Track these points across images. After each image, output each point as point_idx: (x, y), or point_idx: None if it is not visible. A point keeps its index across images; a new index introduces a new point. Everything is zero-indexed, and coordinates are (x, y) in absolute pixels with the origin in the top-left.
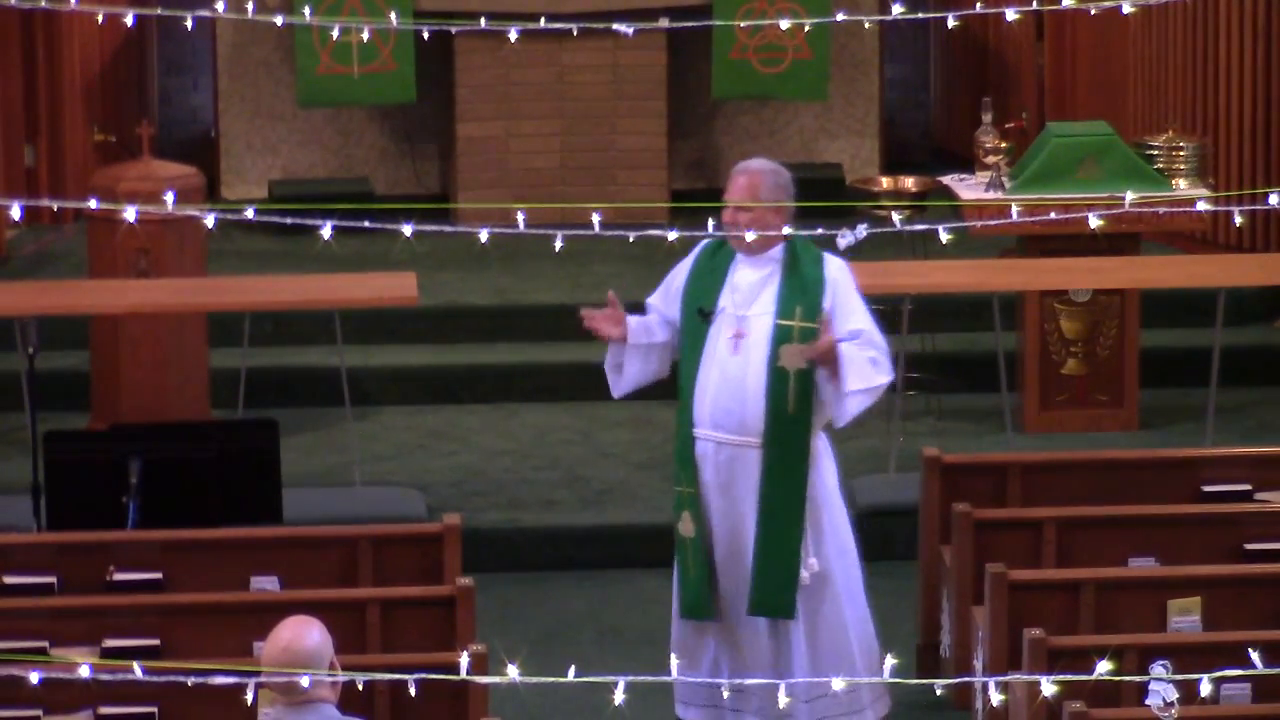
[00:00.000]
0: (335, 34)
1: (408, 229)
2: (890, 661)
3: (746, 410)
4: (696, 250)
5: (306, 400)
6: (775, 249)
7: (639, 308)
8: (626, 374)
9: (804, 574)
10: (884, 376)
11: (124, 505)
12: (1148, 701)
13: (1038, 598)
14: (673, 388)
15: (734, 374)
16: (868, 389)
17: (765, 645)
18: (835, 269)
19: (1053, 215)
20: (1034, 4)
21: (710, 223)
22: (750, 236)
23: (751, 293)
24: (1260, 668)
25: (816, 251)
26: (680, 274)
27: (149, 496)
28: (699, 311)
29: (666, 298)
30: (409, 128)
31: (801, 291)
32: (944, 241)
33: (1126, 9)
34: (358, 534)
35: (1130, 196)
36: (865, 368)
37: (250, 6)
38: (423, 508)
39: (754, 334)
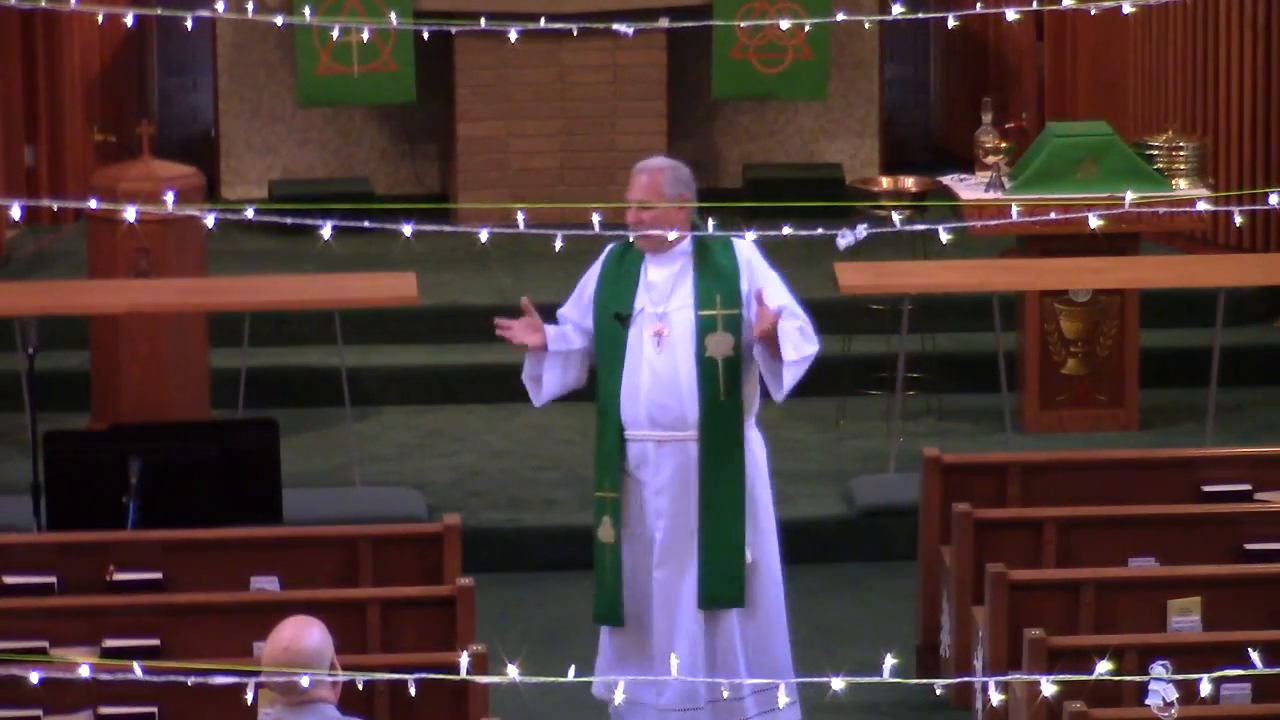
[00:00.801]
0: (335, 34)
1: (408, 229)
2: (890, 661)
3: (683, 405)
4: (602, 257)
5: (306, 400)
6: (683, 243)
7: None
8: (546, 383)
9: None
10: (813, 346)
11: (124, 505)
12: (1148, 701)
13: (1038, 598)
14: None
15: (664, 371)
16: (802, 359)
17: (700, 638)
18: (746, 250)
19: (1053, 215)
20: (1034, 4)
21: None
22: (669, 233)
23: (666, 289)
24: (1260, 668)
25: (723, 238)
26: (590, 282)
27: (149, 496)
28: (615, 316)
29: (580, 307)
30: (409, 128)
31: (717, 279)
32: (944, 241)
33: (1126, 9)
34: (358, 534)
35: (1130, 196)
36: (797, 338)
37: (250, 6)
38: (423, 508)
39: (676, 329)
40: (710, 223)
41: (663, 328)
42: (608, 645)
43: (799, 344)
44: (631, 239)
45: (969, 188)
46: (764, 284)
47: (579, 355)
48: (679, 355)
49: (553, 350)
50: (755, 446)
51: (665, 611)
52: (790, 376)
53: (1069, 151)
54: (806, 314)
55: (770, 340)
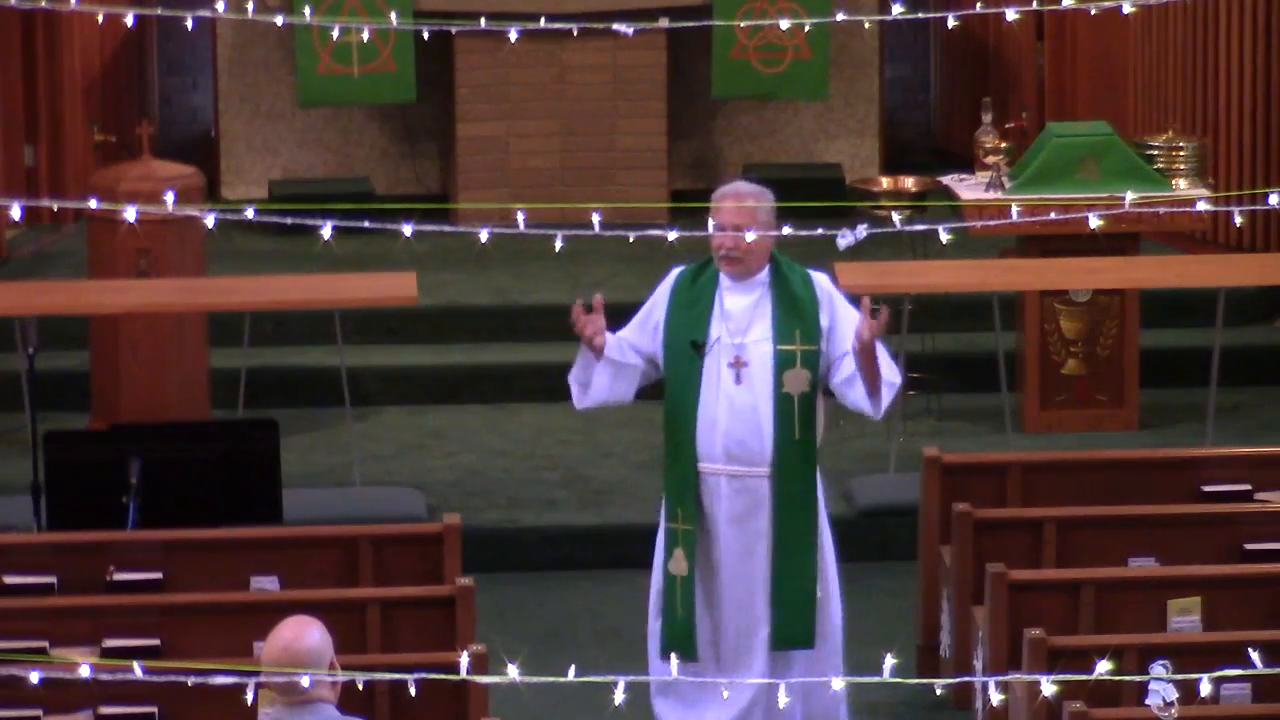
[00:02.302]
0: (335, 34)
1: (408, 229)
2: (890, 661)
3: (761, 441)
4: (672, 281)
5: (306, 400)
6: (762, 271)
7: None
8: (595, 389)
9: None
10: (898, 377)
11: (124, 505)
12: (1148, 701)
13: (1038, 598)
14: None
15: (743, 405)
16: (895, 383)
17: (762, 676)
18: (825, 284)
19: (1053, 215)
20: (1034, 4)
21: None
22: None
23: (745, 319)
24: (1260, 668)
25: (801, 269)
26: (659, 307)
27: (149, 496)
28: (692, 344)
29: (645, 331)
30: (409, 128)
31: (797, 314)
32: (944, 241)
33: (1126, 9)
34: (358, 534)
35: (1130, 196)
36: (890, 363)
37: (250, 6)
38: (423, 508)
39: (755, 362)
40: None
41: (742, 359)
42: (667, 672)
43: (892, 368)
44: (718, 263)
45: (969, 188)
46: (842, 321)
47: (631, 372)
48: (758, 390)
49: (608, 357)
50: (819, 486)
51: (734, 645)
52: (888, 396)
53: (1069, 151)
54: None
55: (869, 354)
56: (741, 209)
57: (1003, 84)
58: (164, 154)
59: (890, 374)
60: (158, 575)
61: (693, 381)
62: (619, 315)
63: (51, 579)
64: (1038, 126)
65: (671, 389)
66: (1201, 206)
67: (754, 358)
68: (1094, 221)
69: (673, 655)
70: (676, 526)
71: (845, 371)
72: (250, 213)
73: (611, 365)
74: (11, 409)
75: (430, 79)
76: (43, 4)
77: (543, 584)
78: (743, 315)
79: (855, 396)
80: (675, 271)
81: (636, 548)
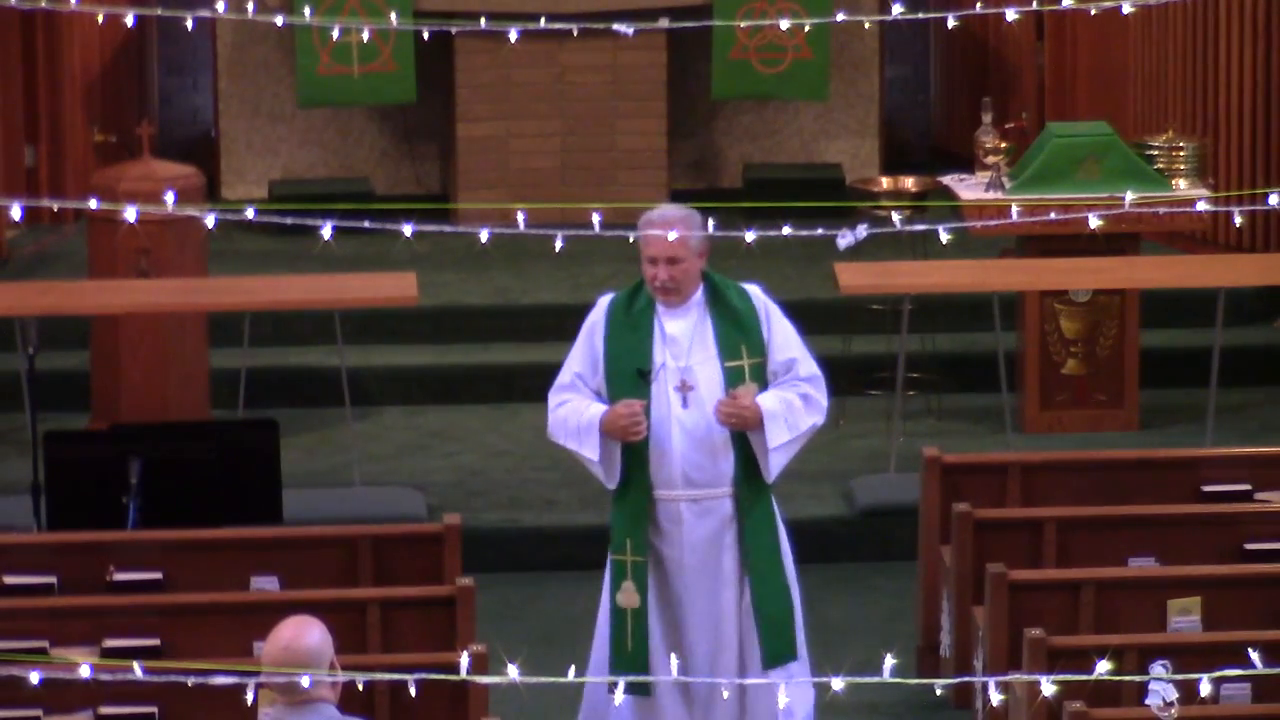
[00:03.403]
0: (335, 34)
1: (408, 229)
2: (890, 661)
3: (718, 462)
4: (605, 310)
5: (306, 400)
6: (696, 292)
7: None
8: (619, 461)
9: None
10: (815, 417)
11: (124, 505)
12: (1148, 701)
13: (1038, 598)
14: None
15: (695, 427)
16: (794, 438)
17: (734, 698)
18: (760, 296)
19: (1053, 215)
20: (1034, 4)
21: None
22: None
23: (686, 341)
24: (1260, 668)
25: (734, 284)
26: (596, 337)
27: (149, 496)
28: (639, 373)
29: (590, 364)
30: (409, 128)
31: (739, 329)
32: (944, 241)
33: (1126, 9)
34: (358, 534)
35: (1130, 196)
36: (792, 415)
37: (250, 6)
38: (423, 508)
39: (703, 384)
40: (709, 222)
41: (688, 382)
42: (628, 714)
43: (796, 419)
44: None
45: (969, 188)
46: (777, 336)
47: None
48: (708, 412)
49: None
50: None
51: (705, 672)
52: (778, 461)
53: (1069, 151)
54: (819, 363)
55: (751, 428)
56: (669, 243)
57: (1003, 84)
58: (164, 154)
59: (787, 432)
60: (158, 575)
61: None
62: None
63: (51, 579)
64: (1038, 126)
65: None
66: (1201, 206)
67: (700, 379)
68: (1094, 221)
69: (619, 691)
70: (624, 558)
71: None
72: (250, 213)
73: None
74: (11, 409)
75: (430, 79)
76: (43, 4)
77: (543, 584)
78: (684, 338)
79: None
80: (604, 300)
81: None
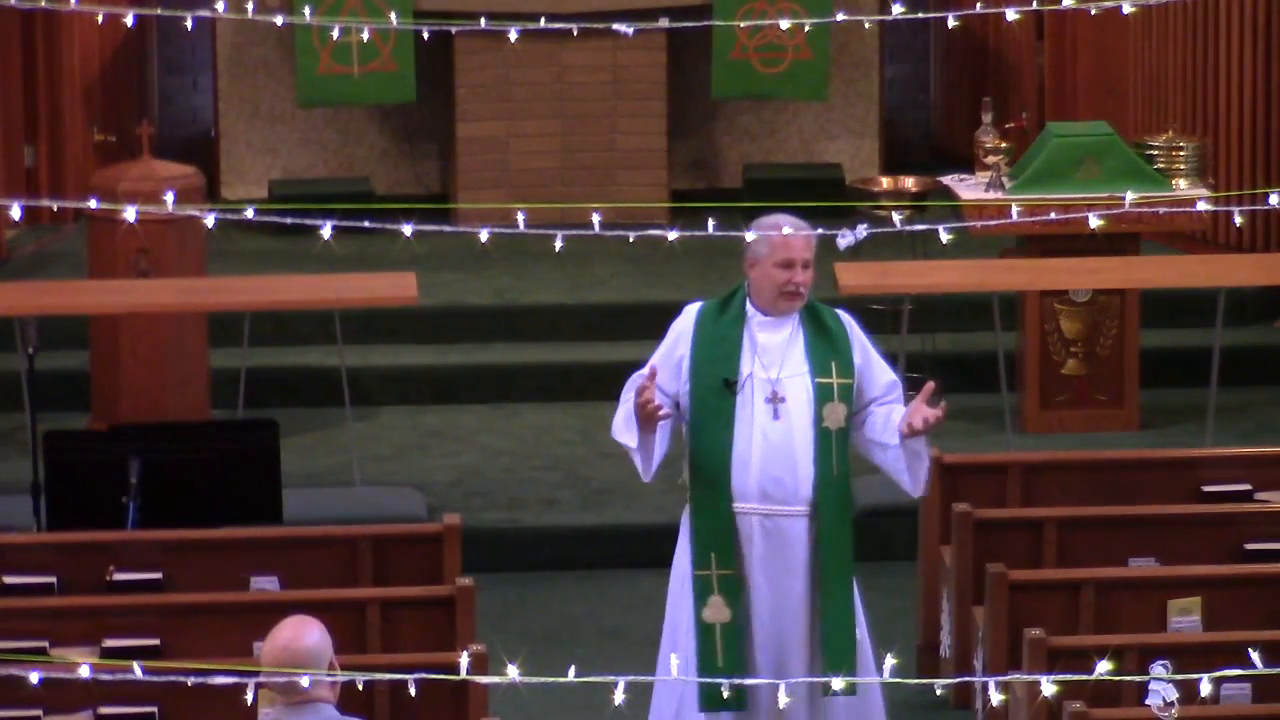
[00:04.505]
0: (335, 34)
1: (408, 229)
2: (890, 661)
3: (798, 477)
4: (693, 317)
5: (306, 400)
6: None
7: (647, 308)
8: (657, 454)
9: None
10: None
11: (124, 505)
12: (1148, 701)
13: (1038, 598)
14: None
15: (779, 441)
16: (927, 461)
17: (805, 715)
18: (851, 322)
19: (1053, 215)
20: (1034, 4)
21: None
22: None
23: (779, 354)
24: (1260, 668)
25: (828, 307)
26: (682, 344)
27: (149, 496)
28: (725, 382)
29: (669, 371)
30: (409, 128)
31: (831, 348)
32: (944, 241)
33: (1126, 9)
34: (358, 534)
35: (1130, 196)
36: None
37: (250, 6)
38: (423, 508)
39: (792, 397)
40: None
41: (778, 394)
42: None
43: (923, 445)
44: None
45: (969, 188)
46: (870, 361)
47: (671, 421)
48: (796, 425)
49: (663, 420)
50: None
51: (774, 691)
52: (925, 474)
53: (1069, 151)
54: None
55: (920, 432)
56: (810, 243)
57: (1003, 84)
58: (164, 154)
59: (924, 450)
60: (157, 575)
61: (726, 420)
62: (620, 315)
63: (51, 579)
64: (1038, 126)
65: (700, 428)
66: (1201, 206)
67: (791, 393)
68: (1094, 221)
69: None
70: (711, 573)
71: (879, 432)
72: (250, 213)
73: (667, 426)
74: (11, 409)
75: (430, 79)
76: (43, 4)
77: (543, 584)
78: (777, 350)
79: (889, 466)
80: (693, 308)
81: (637, 548)
